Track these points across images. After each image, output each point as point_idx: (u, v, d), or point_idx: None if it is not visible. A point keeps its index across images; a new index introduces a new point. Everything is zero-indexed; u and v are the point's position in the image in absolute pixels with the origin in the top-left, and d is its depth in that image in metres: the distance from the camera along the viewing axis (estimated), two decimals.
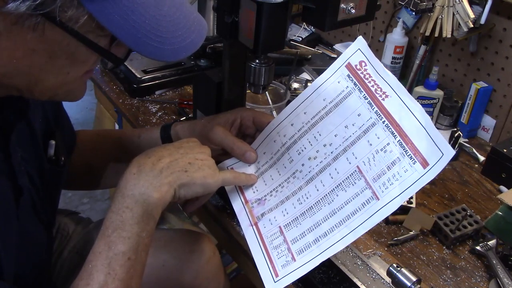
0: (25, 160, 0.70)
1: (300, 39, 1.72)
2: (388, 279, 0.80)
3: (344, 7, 0.77)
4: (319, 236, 0.73)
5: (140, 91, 1.35)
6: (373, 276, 0.84)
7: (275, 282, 0.74)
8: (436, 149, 0.67)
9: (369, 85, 0.76)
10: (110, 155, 0.98)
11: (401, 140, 0.70)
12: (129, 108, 1.31)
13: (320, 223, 0.74)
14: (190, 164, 0.73)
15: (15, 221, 0.67)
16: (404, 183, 0.68)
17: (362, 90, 0.76)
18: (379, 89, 0.75)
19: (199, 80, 1.04)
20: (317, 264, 0.72)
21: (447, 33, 1.25)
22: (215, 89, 0.97)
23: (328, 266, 0.85)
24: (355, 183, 0.73)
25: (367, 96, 0.75)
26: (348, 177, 0.74)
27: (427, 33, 1.30)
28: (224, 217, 0.97)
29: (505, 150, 1.14)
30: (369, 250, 0.92)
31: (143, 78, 1.35)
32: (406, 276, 0.77)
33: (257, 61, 0.88)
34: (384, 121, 0.73)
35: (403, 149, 0.70)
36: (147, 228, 0.69)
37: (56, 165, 0.79)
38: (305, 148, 0.81)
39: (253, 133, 0.91)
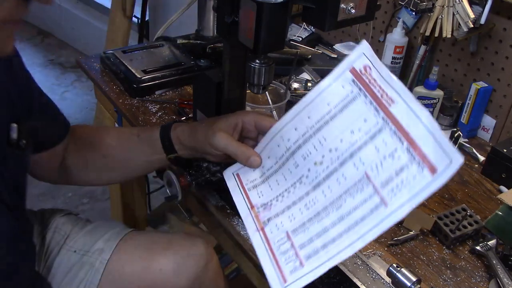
0: None
1: (300, 39, 1.72)
2: (388, 279, 0.80)
3: (344, 7, 0.77)
4: (327, 242, 0.72)
5: (140, 91, 1.34)
6: (373, 276, 0.84)
7: None
8: (444, 156, 0.66)
9: (375, 90, 0.74)
10: (108, 152, 0.98)
11: (409, 146, 0.69)
12: (129, 108, 1.31)
13: (328, 229, 0.73)
14: None
15: None
16: (412, 189, 0.67)
17: (368, 95, 0.75)
18: (385, 95, 0.73)
19: (199, 80, 1.04)
20: (326, 270, 0.70)
21: (447, 33, 1.25)
22: (215, 89, 0.97)
23: None
24: (363, 189, 0.71)
25: (373, 102, 0.74)
26: (356, 183, 0.72)
27: (427, 33, 1.30)
28: (224, 217, 0.97)
29: (505, 150, 1.14)
30: (369, 250, 0.92)
31: (143, 78, 1.35)
32: (406, 276, 0.77)
33: (257, 61, 0.88)
34: (392, 127, 0.71)
35: (411, 155, 0.68)
36: None
37: (17, 148, 0.79)
38: (310, 153, 0.80)
39: (255, 136, 0.89)
